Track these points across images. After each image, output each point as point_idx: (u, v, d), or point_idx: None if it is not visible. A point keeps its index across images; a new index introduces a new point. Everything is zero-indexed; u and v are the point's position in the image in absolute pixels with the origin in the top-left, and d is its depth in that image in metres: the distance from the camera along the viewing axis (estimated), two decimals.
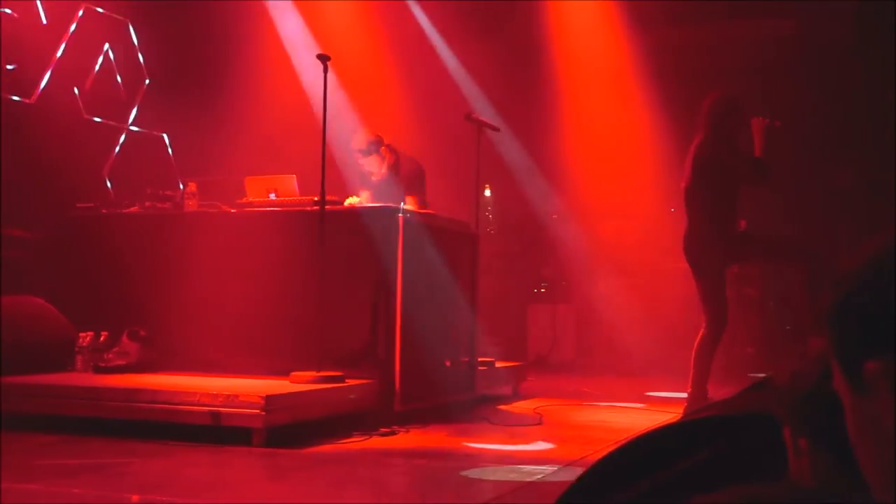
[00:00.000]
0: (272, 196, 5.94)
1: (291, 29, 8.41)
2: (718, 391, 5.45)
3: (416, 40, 8.86)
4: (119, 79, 8.15)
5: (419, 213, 5.95)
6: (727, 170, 5.48)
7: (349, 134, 6.90)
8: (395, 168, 6.70)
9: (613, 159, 9.09)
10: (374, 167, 6.69)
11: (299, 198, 5.85)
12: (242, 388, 4.71)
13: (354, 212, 5.81)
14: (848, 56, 8.61)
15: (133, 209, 6.20)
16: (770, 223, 6.26)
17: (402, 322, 5.39)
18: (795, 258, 5.55)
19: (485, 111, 6.75)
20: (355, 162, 6.78)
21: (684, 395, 5.56)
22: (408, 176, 6.69)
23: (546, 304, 9.58)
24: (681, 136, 6.40)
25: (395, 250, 5.41)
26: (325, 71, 5.42)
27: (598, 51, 9.32)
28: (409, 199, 6.52)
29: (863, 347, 0.78)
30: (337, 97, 5.79)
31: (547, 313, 9.45)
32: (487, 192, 9.00)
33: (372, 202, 6.56)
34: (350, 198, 6.36)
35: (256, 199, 5.98)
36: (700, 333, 5.53)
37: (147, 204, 6.21)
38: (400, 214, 5.50)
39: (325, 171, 5.36)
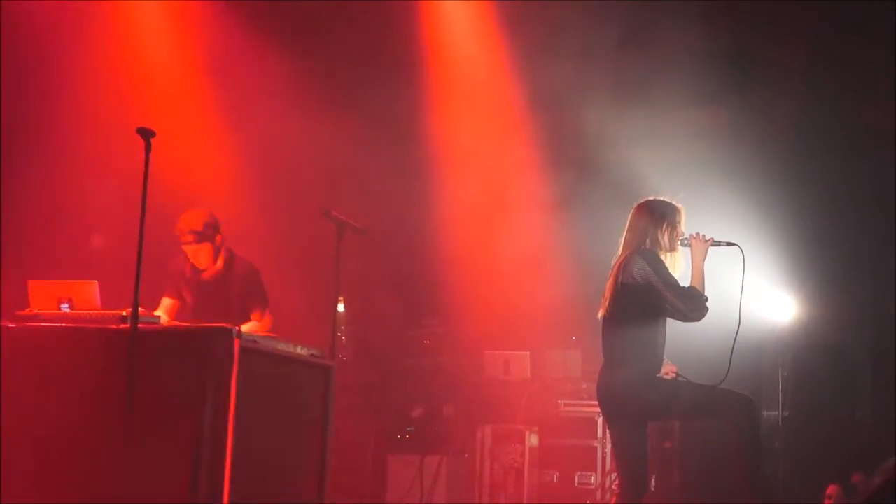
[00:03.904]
0: (65, 307, 5.24)
1: (106, 96, 7.24)
2: None
3: (262, 114, 7.68)
4: None
5: (260, 336, 5.31)
6: (655, 298, 4.55)
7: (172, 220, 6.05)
8: (230, 266, 6.00)
9: (501, 278, 8.23)
10: (205, 259, 5.95)
11: (102, 311, 5.13)
12: None
13: (177, 332, 5.10)
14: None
15: None
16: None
17: (231, 473, 4.67)
18: (729, 409, 4.62)
19: (344, 207, 5.73)
20: (175, 252, 5.99)
21: None
22: (247, 282, 6.02)
23: (411, 453, 8.30)
24: (582, 254, 5.69)
25: (227, 382, 4.70)
26: (148, 149, 4.68)
27: (483, 152, 8.60)
28: (254, 314, 6.02)
29: None
30: (158, 181, 4.76)
31: (412, 465, 8.20)
32: (340, 307, 7.82)
33: (185, 314, 5.98)
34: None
35: (44, 311, 5.24)
36: (613, 501, 4.59)
37: None
38: (236, 338, 4.80)
39: (142, 276, 4.55)
